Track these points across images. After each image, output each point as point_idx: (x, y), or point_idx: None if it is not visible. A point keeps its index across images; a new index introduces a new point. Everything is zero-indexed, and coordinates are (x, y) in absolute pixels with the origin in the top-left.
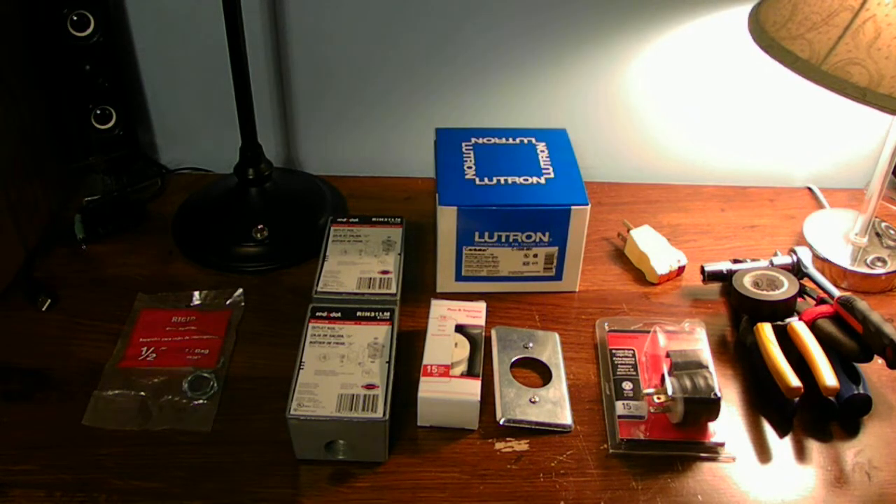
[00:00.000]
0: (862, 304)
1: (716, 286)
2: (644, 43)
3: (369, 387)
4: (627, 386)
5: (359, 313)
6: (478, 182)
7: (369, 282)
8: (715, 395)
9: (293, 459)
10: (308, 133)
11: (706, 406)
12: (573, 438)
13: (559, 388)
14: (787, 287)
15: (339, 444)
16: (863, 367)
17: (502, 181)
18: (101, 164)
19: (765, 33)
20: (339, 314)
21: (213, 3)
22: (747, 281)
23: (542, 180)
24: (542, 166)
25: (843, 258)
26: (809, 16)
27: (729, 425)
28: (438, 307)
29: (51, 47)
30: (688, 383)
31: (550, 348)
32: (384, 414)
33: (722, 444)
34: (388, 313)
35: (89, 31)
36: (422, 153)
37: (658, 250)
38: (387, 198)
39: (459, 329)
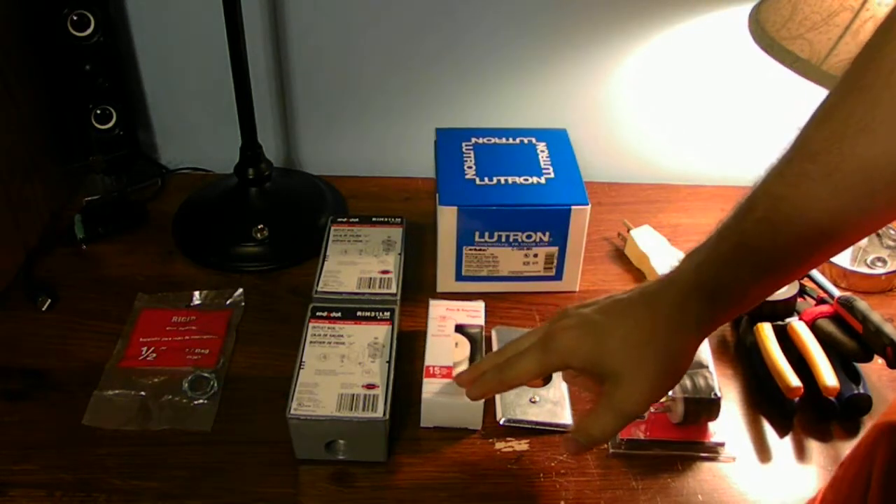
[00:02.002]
0: (862, 303)
1: None
2: (644, 42)
3: (369, 387)
4: None
5: (359, 313)
6: (478, 182)
7: (369, 282)
8: (715, 394)
9: (293, 459)
10: (308, 133)
11: (706, 406)
12: None
13: (559, 388)
14: (786, 287)
15: (339, 444)
16: (863, 367)
17: (502, 181)
18: (101, 164)
19: (765, 33)
20: (339, 314)
21: (213, 4)
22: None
23: (543, 180)
24: (543, 166)
25: (843, 258)
26: (809, 16)
27: (729, 425)
28: (437, 307)
29: (51, 47)
30: (688, 383)
31: None
32: (384, 414)
33: (722, 444)
34: (389, 313)
35: (89, 31)
36: (422, 153)
37: (658, 250)
38: (387, 198)
39: (459, 329)
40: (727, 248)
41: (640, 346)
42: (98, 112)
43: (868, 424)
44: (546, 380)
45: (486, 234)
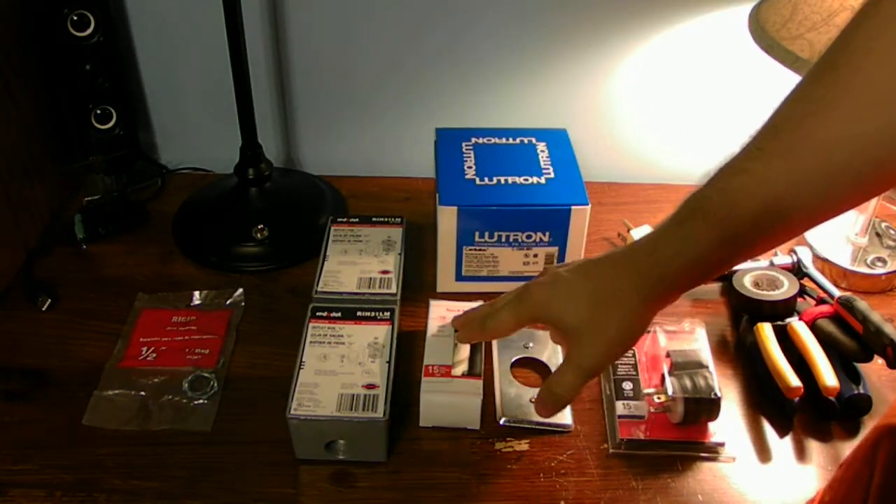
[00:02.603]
0: (862, 304)
1: (716, 286)
2: (644, 42)
3: (369, 387)
4: (627, 386)
5: (359, 313)
6: (478, 182)
7: (369, 282)
8: (715, 394)
9: (293, 459)
10: (308, 133)
11: (706, 406)
12: (573, 438)
13: None
14: (787, 287)
15: (339, 444)
16: (863, 367)
17: (502, 181)
18: (101, 164)
19: (765, 33)
20: (339, 314)
21: (213, 4)
22: (747, 281)
23: (543, 180)
24: (543, 166)
25: (843, 258)
26: (809, 16)
27: (729, 425)
28: (437, 307)
29: (51, 47)
30: (688, 383)
31: (550, 348)
32: (384, 414)
33: (722, 444)
34: (389, 313)
35: (89, 31)
36: (422, 153)
37: None
38: (387, 198)
39: None
40: (687, 218)
41: (602, 305)
42: (98, 112)
43: (868, 424)
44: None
45: (486, 234)
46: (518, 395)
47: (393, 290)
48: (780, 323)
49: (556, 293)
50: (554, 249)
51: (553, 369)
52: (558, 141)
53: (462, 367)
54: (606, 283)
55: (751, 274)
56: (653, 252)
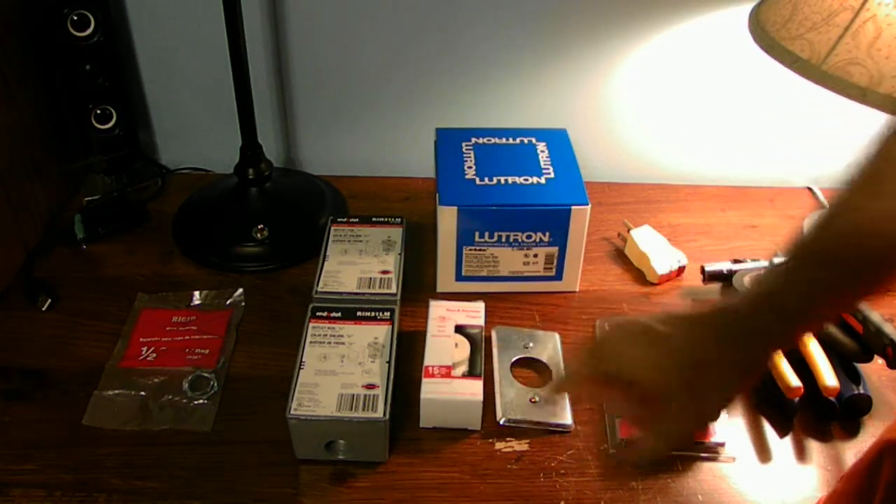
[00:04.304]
0: (862, 304)
1: (716, 286)
2: (644, 42)
3: (369, 387)
4: None
5: (359, 313)
6: (478, 182)
7: (369, 282)
8: None
9: (293, 459)
10: (308, 133)
11: None
12: (573, 438)
13: None
14: None
15: (339, 444)
16: (863, 367)
17: (502, 181)
18: (101, 164)
19: (765, 33)
20: (339, 314)
21: (213, 4)
22: (747, 281)
23: (543, 180)
24: (543, 166)
25: None
26: (810, 16)
27: (729, 425)
28: (437, 308)
29: (51, 47)
30: None
31: (551, 348)
32: (384, 414)
33: (722, 444)
34: (389, 313)
35: (89, 31)
36: (422, 153)
37: (658, 250)
38: (387, 198)
39: (459, 329)
40: (800, 265)
41: (698, 383)
42: (98, 112)
43: (868, 425)
44: (546, 380)
45: (486, 234)
46: (518, 395)
47: (393, 290)
48: None
49: (647, 356)
50: (554, 249)
51: (553, 369)
52: (558, 141)
53: (462, 368)
54: (702, 357)
55: (751, 274)
56: (765, 308)
